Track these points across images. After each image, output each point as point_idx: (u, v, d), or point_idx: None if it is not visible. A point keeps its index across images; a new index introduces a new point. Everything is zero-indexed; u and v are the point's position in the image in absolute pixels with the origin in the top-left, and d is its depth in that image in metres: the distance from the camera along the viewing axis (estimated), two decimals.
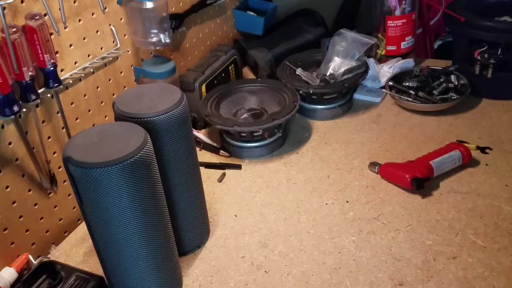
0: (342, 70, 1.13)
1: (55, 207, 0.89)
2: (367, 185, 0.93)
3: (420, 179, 0.87)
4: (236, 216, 0.90)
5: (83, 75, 0.89)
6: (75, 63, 0.88)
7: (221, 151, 1.06)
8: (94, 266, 0.81)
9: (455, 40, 1.29)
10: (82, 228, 0.90)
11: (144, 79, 1.03)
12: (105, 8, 0.92)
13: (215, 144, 1.08)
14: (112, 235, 0.65)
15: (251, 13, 1.37)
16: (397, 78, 1.20)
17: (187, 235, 0.81)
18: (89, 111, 0.93)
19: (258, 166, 1.02)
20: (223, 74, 1.21)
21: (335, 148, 1.04)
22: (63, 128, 0.87)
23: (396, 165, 0.93)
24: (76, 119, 0.90)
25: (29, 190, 0.83)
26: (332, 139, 1.07)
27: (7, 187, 0.79)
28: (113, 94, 0.99)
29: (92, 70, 0.92)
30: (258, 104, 1.11)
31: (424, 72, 1.17)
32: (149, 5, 0.95)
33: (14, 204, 0.80)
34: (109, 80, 0.97)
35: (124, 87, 1.02)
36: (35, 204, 0.84)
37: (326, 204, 0.90)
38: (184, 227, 0.79)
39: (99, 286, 0.73)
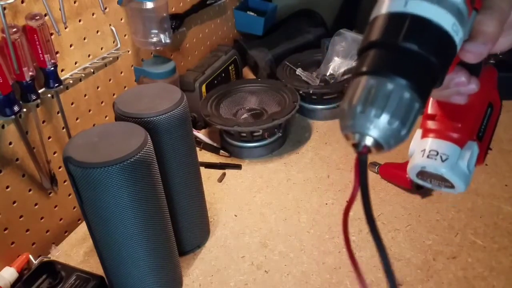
0: (342, 70, 1.13)
1: (55, 207, 0.89)
2: None
3: None
4: (236, 216, 0.90)
5: (83, 75, 0.89)
6: (76, 63, 0.88)
7: (221, 151, 1.06)
8: (94, 266, 0.81)
9: None
10: (82, 228, 0.91)
11: (144, 79, 1.03)
12: (105, 8, 0.92)
13: (215, 144, 1.08)
14: (112, 235, 0.65)
15: (251, 13, 1.37)
16: None
17: (187, 235, 0.81)
18: (89, 111, 0.93)
19: (258, 166, 1.02)
20: (223, 74, 1.21)
21: (335, 148, 1.04)
22: (63, 128, 0.87)
23: (396, 165, 0.93)
24: (77, 119, 0.90)
25: (30, 190, 0.83)
26: (332, 139, 1.08)
27: (7, 187, 0.79)
28: (113, 94, 0.99)
29: (92, 70, 0.92)
30: (258, 104, 1.11)
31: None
32: (149, 5, 0.95)
33: (15, 204, 0.80)
34: (109, 80, 0.97)
35: (124, 87, 1.02)
36: (36, 204, 0.84)
37: (326, 204, 0.90)
38: (184, 227, 0.79)
39: (99, 286, 0.73)
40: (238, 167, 1.02)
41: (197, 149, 0.92)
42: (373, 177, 0.95)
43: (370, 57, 0.32)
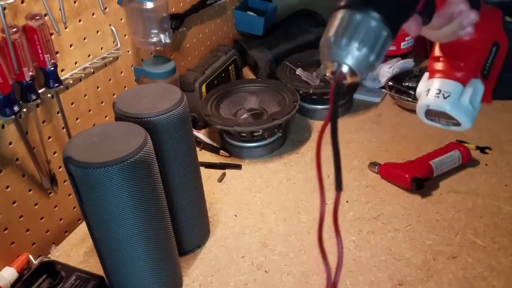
0: None
1: (55, 207, 0.89)
2: (367, 185, 0.93)
3: (420, 179, 0.88)
4: (236, 216, 0.90)
5: (83, 75, 0.89)
6: (76, 63, 0.88)
7: (221, 151, 1.06)
8: (94, 266, 0.81)
9: None
10: (82, 228, 0.91)
11: (144, 79, 1.03)
12: (105, 8, 0.92)
13: (215, 144, 1.08)
14: (112, 235, 0.65)
15: (251, 13, 1.37)
16: (397, 78, 1.20)
17: (187, 235, 0.81)
18: (89, 111, 0.93)
19: (258, 166, 1.02)
20: (223, 74, 1.21)
21: None
22: (63, 128, 0.87)
23: (396, 165, 0.93)
24: (77, 119, 0.91)
25: (30, 190, 0.83)
26: None
27: (7, 187, 0.79)
28: (113, 94, 0.99)
29: (92, 70, 0.92)
30: (258, 104, 1.11)
31: (424, 72, 1.17)
32: (149, 5, 0.95)
33: (15, 204, 0.80)
34: (109, 80, 0.97)
35: (124, 87, 1.02)
36: (36, 204, 0.84)
37: (326, 204, 0.90)
38: (184, 227, 0.79)
39: (99, 286, 0.73)
40: (238, 167, 1.02)
41: (197, 149, 0.92)
42: (373, 177, 0.95)
43: None
